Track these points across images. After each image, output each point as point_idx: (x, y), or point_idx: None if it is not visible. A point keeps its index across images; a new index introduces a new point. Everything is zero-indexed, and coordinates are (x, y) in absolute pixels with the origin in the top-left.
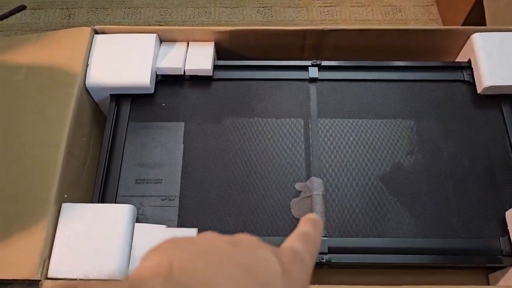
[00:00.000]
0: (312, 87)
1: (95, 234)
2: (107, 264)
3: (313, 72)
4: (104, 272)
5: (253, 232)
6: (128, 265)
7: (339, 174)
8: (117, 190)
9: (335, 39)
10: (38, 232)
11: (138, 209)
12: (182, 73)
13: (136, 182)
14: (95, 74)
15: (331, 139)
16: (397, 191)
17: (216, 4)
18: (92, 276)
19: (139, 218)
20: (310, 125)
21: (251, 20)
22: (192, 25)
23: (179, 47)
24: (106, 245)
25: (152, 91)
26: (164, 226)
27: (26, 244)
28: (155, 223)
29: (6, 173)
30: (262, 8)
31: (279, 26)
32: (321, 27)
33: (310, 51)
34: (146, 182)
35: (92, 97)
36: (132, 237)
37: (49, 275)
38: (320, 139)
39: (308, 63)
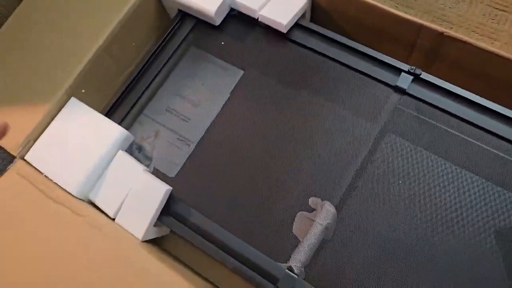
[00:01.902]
0: (394, 98)
1: (80, 142)
2: (73, 177)
3: (404, 81)
4: (66, 182)
5: (237, 224)
6: (92, 188)
7: (368, 212)
8: (143, 108)
9: (455, 52)
10: (37, 113)
11: (150, 136)
12: (256, 17)
13: (166, 109)
14: None
15: (383, 164)
16: (438, 269)
17: None
18: (55, 179)
19: (145, 147)
20: (371, 137)
21: None
22: None
23: None
24: (84, 158)
25: (218, 23)
26: (143, 168)
27: (22, 118)
28: (158, 159)
29: (44, 46)
30: None
31: (392, 8)
32: (441, 29)
33: (421, 54)
34: (174, 114)
35: (161, 4)
36: (110, 161)
37: (26, 158)
38: (371, 158)
39: (405, 67)
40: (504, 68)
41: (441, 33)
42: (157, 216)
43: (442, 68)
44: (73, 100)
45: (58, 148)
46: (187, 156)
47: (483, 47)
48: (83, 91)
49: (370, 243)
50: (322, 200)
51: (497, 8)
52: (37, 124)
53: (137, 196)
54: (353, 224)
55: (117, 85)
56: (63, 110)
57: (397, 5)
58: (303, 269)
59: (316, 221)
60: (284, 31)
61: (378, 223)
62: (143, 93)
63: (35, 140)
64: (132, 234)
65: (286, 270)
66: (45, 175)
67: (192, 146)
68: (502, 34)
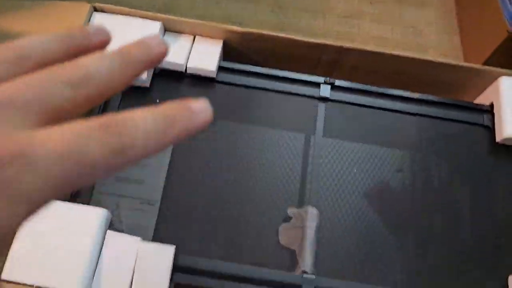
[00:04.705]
0: (321, 106)
1: (61, 238)
2: (70, 276)
3: (325, 91)
4: (65, 282)
5: (234, 255)
6: (93, 278)
7: (336, 206)
8: (93, 186)
9: (353, 59)
10: None
11: (113, 210)
12: (184, 70)
13: (115, 180)
14: None
15: (334, 163)
16: (395, 236)
17: None
18: (50, 285)
19: (113, 221)
20: (313, 144)
21: (263, 19)
22: (200, 14)
23: (184, 41)
24: (72, 252)
25: (148, 85)
26: (139, 238)
27: None
28: (129, 229)
29: None
30: (277, 8)
31: (294, 35)
32: (339, 43)
33: (324, 67)
34: (126, 181)
35: None
36: (102, 246)
37: (3, 277)
38: (322, 161)
39: (321, 80)
40: (385, 62)
41: (341, 47)
42: (170, 277)
43: (341, 73)
44: None
45: (37, 253)
46: (156, 215)
47: (370, 49)
48: None
49: (350, 226)
50: (298, 208)
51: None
52: None
53: (145, 266)
54: (333, 218)
55: None
56: None
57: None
58: (314, 269)
59: (307, 225)
60: (214, 75)
61: (349, 206)
62: None
63: (6, 255)
64: None
65: (304, 275)
66: (36, 286)
67: (157, 204)
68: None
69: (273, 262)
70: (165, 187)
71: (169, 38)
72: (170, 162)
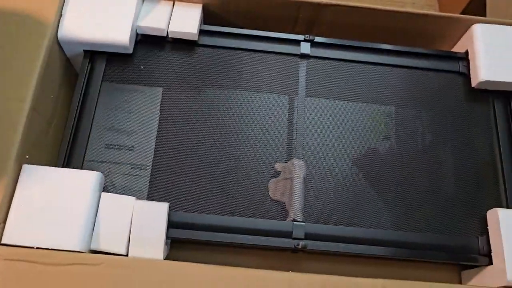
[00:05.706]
0: (303, 64)
1: (57, 201)
2: (69, 235)
3: (305, 48)
4: (64, 242)
5: (227, 210)
6: (91, 238)
7: (321, 158)
8: (84, 154)
9: (331, 15)
10: None
11: (105, 176)
12: (165, 35)
13: (105, 147)
14: (69, 26)
15: (317, 120)
16: (378, 182)
17: None
18: (51, 246)
19: (106, 186)
20: (296, 103)
21: None
22: None
23: (164, 6)
24: (69, 214)
25: (131, 51)
26: (133, 198)
27: None
28: (123, 193)
29: None
30: None
31: None
32: (317, 0)
33: (303, 25)
34: (116, 148)
35: (63, 51)
36: (98, 207)
37: (3, 241)
38: (306, 119)
39: (301, 37)
40: (363, 16)
41: (318, 4)
42: (165, 233)
43: (320, 30)
44: (25, 167)
45: (36, 217)
46: (148, 179)
47: (347, 4)
48: (27, 157)
49: (336, 176)
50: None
51: None
52: None
53: (141, 223)
54: (319, 168)
55: (48, 143)
56: (21, 181)
57: None
58: (303, 216)
59: (294, 177)
60: (196, 38)
61: (335, 158)
62: (75, 142)
63: (4, 222)
64: (152, 258)
65: (294, 223)
66: (36, 247)
67: (149, 169)
68: None
69: (265, 215)
70: (155, 152)
71: (148, 4)
72: (158, 129)
